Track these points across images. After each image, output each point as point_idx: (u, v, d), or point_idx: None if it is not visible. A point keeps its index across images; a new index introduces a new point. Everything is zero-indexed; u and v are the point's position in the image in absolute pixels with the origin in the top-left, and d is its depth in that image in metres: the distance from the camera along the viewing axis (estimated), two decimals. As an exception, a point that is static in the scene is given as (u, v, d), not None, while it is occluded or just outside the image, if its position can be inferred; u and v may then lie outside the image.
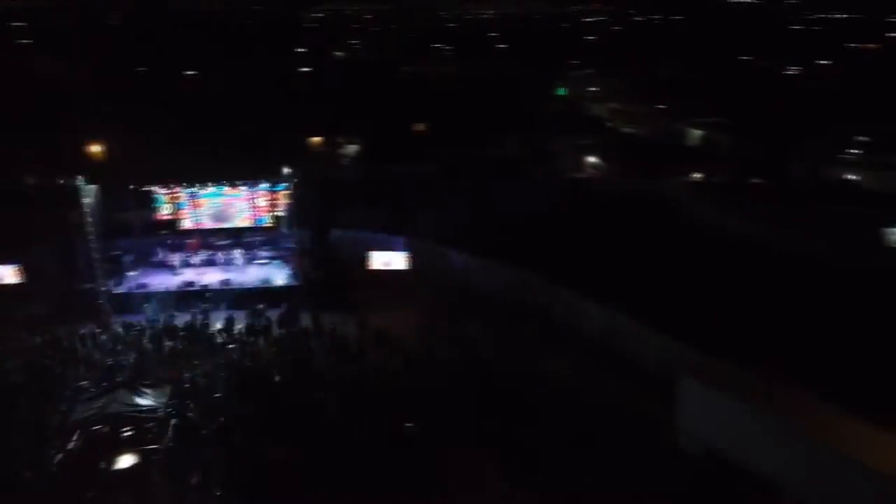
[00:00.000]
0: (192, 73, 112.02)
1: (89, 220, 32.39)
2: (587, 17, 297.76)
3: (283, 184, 38.26)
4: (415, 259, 35.97)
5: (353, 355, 29.06)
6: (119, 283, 34.95)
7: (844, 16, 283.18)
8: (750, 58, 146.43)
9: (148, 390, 24.12)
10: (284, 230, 38.07)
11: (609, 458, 22.93)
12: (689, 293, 31.88)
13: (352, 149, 60.12)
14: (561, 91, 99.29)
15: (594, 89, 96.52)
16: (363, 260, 35.66)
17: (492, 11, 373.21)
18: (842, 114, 74.84)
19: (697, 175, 56.36)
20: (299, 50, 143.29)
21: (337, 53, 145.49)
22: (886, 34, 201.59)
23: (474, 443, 23.72)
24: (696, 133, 69.96)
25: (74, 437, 22.67)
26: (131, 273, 36.01)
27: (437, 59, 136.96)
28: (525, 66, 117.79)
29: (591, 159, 59.97)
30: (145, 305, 32.79)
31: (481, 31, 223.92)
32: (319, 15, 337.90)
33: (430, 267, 36.06)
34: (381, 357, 29.06)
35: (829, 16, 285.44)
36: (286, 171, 35.51)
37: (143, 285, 34.80)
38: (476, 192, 45.78)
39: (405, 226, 37.82)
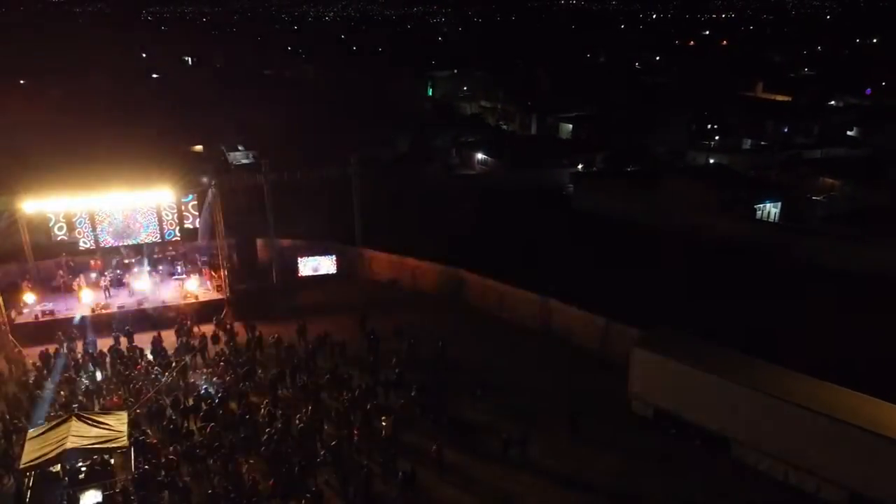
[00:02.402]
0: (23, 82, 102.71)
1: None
2: (431, 19, 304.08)
3: (191, 195, 36.62)
4: (342, 262, 35.81)
5: (301, 362, 28.63)
6: (19, 312, 31.93)
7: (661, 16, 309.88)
8: (589, 55, 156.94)
9: (104, 420, 22.42)
10: (200, 242, 36.39)
11: (567, 430, 24.34)
12: (601, 274, 34.35)
13: (237, 156, 58.00)
14: (430, 91, 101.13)
15: (465, 88, 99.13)
16: (292, 266, 34.91)
17: (332, 13, 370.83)
18: (679, 102, 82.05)
19: (578, 166, 60.00)
20: (144, 55, 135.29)
21: (185, 57, 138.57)
22: (701, 32, 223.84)
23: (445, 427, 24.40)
24: (567, 127, 74.23)
25: (28, 478, 20.86)
26: (31, 300, 32.97)
27: (292, 61, 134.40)
28: (386, 67, 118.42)
29: (479, 156, 62.02)
30: (58, 333, 30.15)
31: (327, 33, 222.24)
32: (150, 19, 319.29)
33: (357, 269, 36.02)
34: (328, 361, 28.86)
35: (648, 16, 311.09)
36: (203, 180, 33.93)
37: (48, 312, 32.00)
38: (385, 193, 46.03)
39: (327, 230, 37.45)
